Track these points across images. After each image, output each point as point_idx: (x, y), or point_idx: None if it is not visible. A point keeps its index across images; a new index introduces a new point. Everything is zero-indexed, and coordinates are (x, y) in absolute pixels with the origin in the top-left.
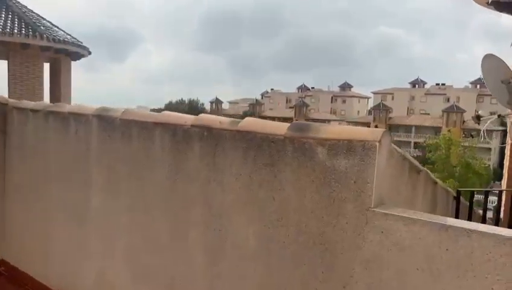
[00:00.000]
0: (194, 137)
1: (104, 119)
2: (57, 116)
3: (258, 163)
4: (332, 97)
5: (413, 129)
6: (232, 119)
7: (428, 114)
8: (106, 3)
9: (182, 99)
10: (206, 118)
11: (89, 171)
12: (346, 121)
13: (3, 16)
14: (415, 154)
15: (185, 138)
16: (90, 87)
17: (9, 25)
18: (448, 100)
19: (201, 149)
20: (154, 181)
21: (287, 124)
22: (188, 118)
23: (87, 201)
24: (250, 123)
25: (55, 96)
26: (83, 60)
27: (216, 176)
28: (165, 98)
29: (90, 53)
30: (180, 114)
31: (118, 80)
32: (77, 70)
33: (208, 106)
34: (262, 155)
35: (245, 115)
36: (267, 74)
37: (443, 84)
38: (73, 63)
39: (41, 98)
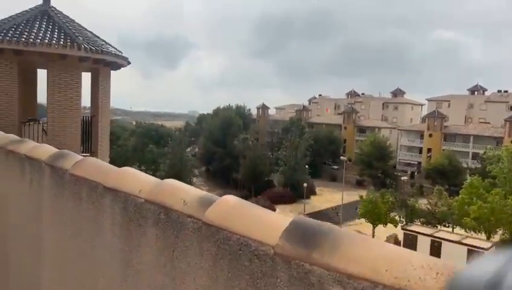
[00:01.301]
0: (148, 218)
1: (55, 171)
2: (15, 156)
3: (233, 283)
4: (383, 104)
5: (471, 139)
6: (202, 197)
7: (489, 123)
8: (162, 13)
9: (229, 105)
10: (164, 191)
11: (40, 234)
12: (398, 129)
13: (43, 26)
14: (473, 166)
15: (137, 217)
16: (147, 92)
17: (48, 35)
18: (511, 108)
19: (157, 238)
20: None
21: (286, 220)
22: (145, 185)
23: (37, 264)
24: (227, 213)
25: (94, 105)
26: (138, 66)
27: (176, 285)
28: (215, 103)
29: (129, 63)
30: (139, 175)
31: (172, 86)
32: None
33: (254, 112)
34: (240, 274)
35: (291, 121)
36: (316, 79)
37: (505, 92)
38: (131, 70)
39: (78, 107)
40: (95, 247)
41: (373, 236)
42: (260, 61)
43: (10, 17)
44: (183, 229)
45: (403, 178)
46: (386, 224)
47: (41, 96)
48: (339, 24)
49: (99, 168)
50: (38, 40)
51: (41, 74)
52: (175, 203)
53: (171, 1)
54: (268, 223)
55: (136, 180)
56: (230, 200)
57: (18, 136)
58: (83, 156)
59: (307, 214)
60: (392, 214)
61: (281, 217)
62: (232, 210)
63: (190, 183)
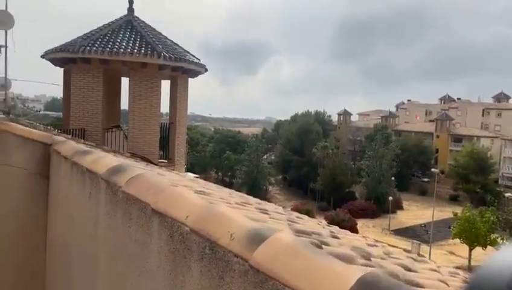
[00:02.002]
0: (193, 250)
1: (110, 187)
2: (78, 168)
3: None
4: (483, 110)
5: None
6: (252, 231)
7: None
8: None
9: (308, 110)
10: (212, 220)
11: (95, 251)
12: (502, 138)
13: (127, 36)
14: None
15: (182, 247)
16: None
17: (131, 44)
18: None
19: (202, 276)
20: None
21: (352, 274)
22: (193, 210)
23: (92, 280)
24: (280, 256)
25: (172, 112)
26: (217, 73)
27: None
28: (293, 109)
29: (206, 70)
30: (189, 197)
31: (250, 92)
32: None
33: (335, 118)
34: None
35: (376, 128)
36: (404, 84)
37: None
38: (211, 77)
39: (157, 114)
40: (141, 274)
41: (469, 259)
42: (342, 66)
43: (98, 28)
44: (229, 270)
45: (507, 195)
46: (486, 247)
47: (125, 104)
48: (430, 23)
49: (151, 186)
50: (122, 50)
51: (125, 83)
52: (222, 236)
53: (250, 6)
54: (329, 277)
55: (185, 203)
56: (285, 239)
57: (101, 142)
58: (161, 162)
59: (392, 231)
60: (493, 236)
61: (346, 269)
62: (286, 253)
63: (265, 191)
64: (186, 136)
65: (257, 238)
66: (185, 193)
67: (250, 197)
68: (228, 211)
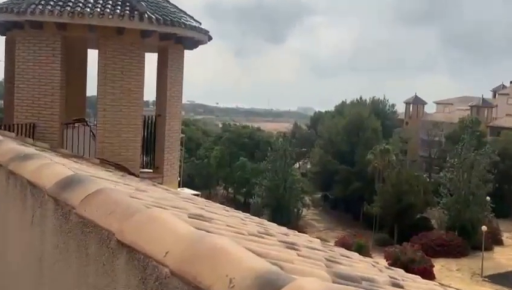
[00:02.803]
0: None
1: (59, 207)
2: (16, 180)
3: None
4: None
5: None
6: (261, 275)
7: None
8: None
9: (360, 98)
10: (202, 258)
11: None
12: None
13: None
14: None
15: None
16: (239, 81)
17: (101, 1)
18: None
19: None
20: None
21: None
22: (176, 242)
23: None
24: None
25: (160, 100)
26: (228, 44)
27: None
28: (338, 95)
29: (210, 38)
30: (171, 223)
31: (275, 71)
32: (224, 54)
33: (401, 108)
34: None
35: (462, 123)
36: (506, 59)
37: None
38: (218, 45)
39: (138, 104)
40: None
41: None
42: (412, 32)
43: None
44: None
45: None
46: None
47: (93, 89)
48: None
49: (117, 207)
50: (88, 9)
51: (94, 57)
52: (216, 282)
53: None
54: None
55: (165, 232)
56: (310, 289)
57: (59, 142)
58: (144, 173)
59: (486, 277)
60: None
61: None
62: None
63: (297, 216)
64: (181, 135)
65: (268, 287)
66: (166, 218)
67: (274, 225)
68: (229, 246)
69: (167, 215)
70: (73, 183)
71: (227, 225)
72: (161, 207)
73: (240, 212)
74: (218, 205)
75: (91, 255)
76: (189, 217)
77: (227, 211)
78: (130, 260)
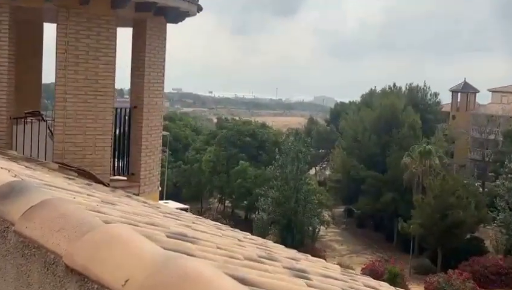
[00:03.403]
0: None
1: None
2: None
3: None
4: None
5: None
6: None
7: None
8: None
9: (394, 85)
10: (170, 288)
11: None
12: None
13: None
14: None
15: None
16: (239, 64)
17: None
18: None
19: None
20: None
21: None
22: (138, 267)
23: None
24: None
25: (136, 87)
26: (226, 14)
27: None
28: (364, 81)
29: (200, 9)
30: (133, 244)
31: (285, 48)
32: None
33: (446, 98)
34: None
35: None
36: None
37: None
38: (212, 19)
39: (108, 93)
40: None
41: None
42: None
43: None
44: None
45: None
46: None
47: (51, 75)
48: None
49: (66, 223)
50: None
51: (51, 33)
52: None
53: None
54: None
55: (124, 254)
56: None
57: (7, 141)
58: (116, 181)
59: None
60: None
61: None
62: None
63: (313, 235)
64: (164, 133)
65: None
66: (128, 237)
67: (280, 248)
68: (206, 272)
69: (130, 233)
70: (13, 193)
71: (218, 247)
72: (132, 224)
73: (238, 231)
74: (210, 221)
75: (33, 285)
76: (167, 237)
77: (222, 229)
78: (81, 287)
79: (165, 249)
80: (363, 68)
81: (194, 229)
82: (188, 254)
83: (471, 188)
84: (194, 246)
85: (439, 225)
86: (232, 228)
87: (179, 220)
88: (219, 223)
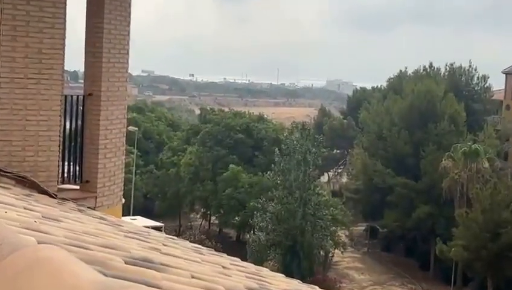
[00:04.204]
0: None
1: None
2: None
3: None
4: None
5: None
6: None
7: None
8: None
9: (430, 66)
10: None
11: None
12: None
13: None
14: None
15: None
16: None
17: None
18: None
19: None
20: None
21: None
22: None
23: None
24: None
25: (92, 70)
26: None
27: None
28: (393, 62)
29: None
30: (66, 270)
31: (288, 18)
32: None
33: (498, 83)
34: None
35: None
36: None
37: None
38: None
39: (57, 72)
40: None
41: None
42: None
43: None
44: None
45: None
46: None
47: None
48: None
49: None
50: None
51: None
52: None
53: None
54: None
55: (52, 284)
56: None
57: None
58: (65, 190)
59: None
60: None
61: None
62: None
63: (325, 262)
64: (129, 129)
65: None
66: (61, 261)
67: (278, 277)
68: None
69: (64, 257)
70: None
71: (193, 277)
72: (79, 246)
73: (225, 255)
74: (187, 244)
75: None
76: (125, 263)
77: (202, 254)
78: None
79: (115, 277)
80: (391, 44)
81: (164, 253)
82: (149, 285)
83: None
84: (160, 275)
85: (490, 248)
86: (216, 252)
87: (145, 241)
88: (200, 246)
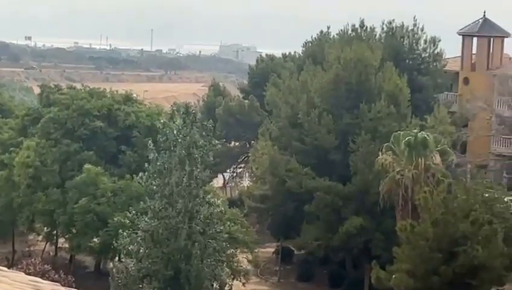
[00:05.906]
0: None
1: None
2: None
3: None
4: None
5: None
6: None
7: None
8: None
9: (362, 24)
10: None
11: None
12: None
13: None
14: None
15: None
16: None
17: None
18: None
19: None
20: None
21: None
22: None
23: None
24: None
25: None
26: None
27: None
28: (311, 18)
29: None
30: None
31: None
32: None
33: (452, 46)
34: None
35: None
36: None
37: None
38: None
39: None
40: None
41: None
42: None
43: None
44: None
45: None
46: None
47: None
48: None
49: None
50: None
51: None
52: None
53: None
54: None
55: None
56: None
57: None
58: None
59: None
60: None
61: None
62: None
63: None
64: None
65: None
66: None
67: None
68: None
69: None
70: None
71: None
72: None
73: (58, 285)
74: (24, 277)
75: None
76: None
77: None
78: None
79: None
80: None
81: None
82: None
83: (498, 205)
84: None
85: (443, 273)
86: (66, 288)
87: None
88: (41, 281)
